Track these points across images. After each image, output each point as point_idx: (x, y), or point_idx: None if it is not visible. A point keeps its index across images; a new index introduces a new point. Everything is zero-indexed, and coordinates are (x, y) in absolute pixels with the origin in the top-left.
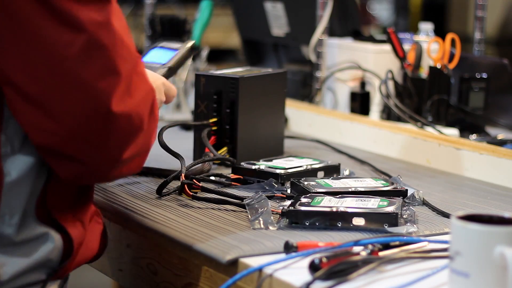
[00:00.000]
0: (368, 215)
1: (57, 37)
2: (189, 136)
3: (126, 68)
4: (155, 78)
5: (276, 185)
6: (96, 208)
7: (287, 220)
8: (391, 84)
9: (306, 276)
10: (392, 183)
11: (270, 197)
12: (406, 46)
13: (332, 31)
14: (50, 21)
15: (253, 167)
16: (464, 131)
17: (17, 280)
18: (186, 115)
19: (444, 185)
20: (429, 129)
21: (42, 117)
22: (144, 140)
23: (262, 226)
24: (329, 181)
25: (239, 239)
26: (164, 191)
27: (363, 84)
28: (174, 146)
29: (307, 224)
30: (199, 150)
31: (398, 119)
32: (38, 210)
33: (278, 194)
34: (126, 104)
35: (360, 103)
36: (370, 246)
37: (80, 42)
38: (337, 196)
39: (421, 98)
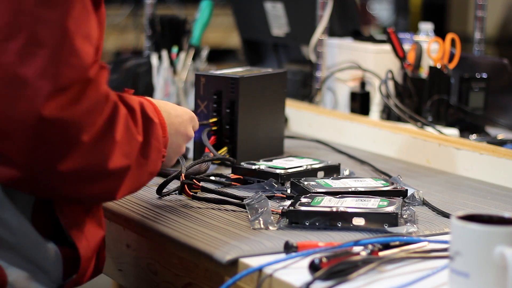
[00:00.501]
0: (368, 215)
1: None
2: None
3: (68, 73)
4: (183, 112)
5: (276, 185)
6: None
7: (287, 220)
8: (391, 84)
9: (306, 276)
10: (392, 183)
11: (270, 197)
12: (406, 46)
13: (332, 31)
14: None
15: (253, 167)
16: (464, 131)
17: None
18: None
19: (444, 185)
20: (429, 129)
21: None
22: (93, 157)
23: (262, 226)
24: (329, 181)
25: (239, 239)
26: (164, 191)
27: (363, 84)
28: None
29: (307, 224)
30: (199, 150)
31: (398, 119)
32: (34, 216)
33: (278, 194)
34: (62, 110)
35: (360, 103)
36: (370, 246)
37: (22, 36)
38: (337, 196)
39: (421, 98)
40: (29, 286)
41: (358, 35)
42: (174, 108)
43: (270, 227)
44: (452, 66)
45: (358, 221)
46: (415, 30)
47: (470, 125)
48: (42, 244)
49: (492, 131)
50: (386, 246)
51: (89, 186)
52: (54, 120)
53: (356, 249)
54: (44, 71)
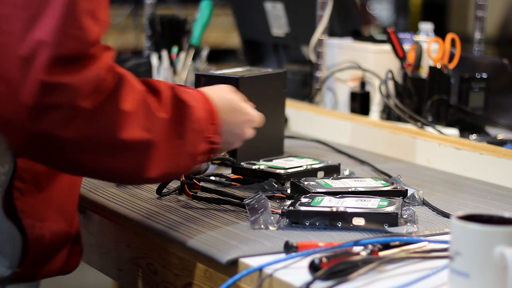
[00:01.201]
0: (368, 215)
1: None
2: None
3: (70, 44)
4: (244, 113)
5: (276, 185)
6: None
7: (287, 220)
8: (391, 84)
9: (306, 276)
10: (392, 183)
11: (270, 197)
12: (406, 46)
13: (332, 31)
14: None
15: (253, 167)
16: (464, 131)
17: None
18: None
19: (444, 185)
20: (429, 129)
21: None
22: (97, 125)
23: (262, 226)
24: (329, 181)
25: (239, 239)
26: (164, 191)
27: (363, 84)
28: None
29: (307, 224)
30: None
31: (398, 119)
32: (4, 203)
33: (278, 194)
34: (61, 76)
35: (360, 103)
36: (370, 246)
37: (33, 6)
38: (337, 196)
39: (421, 98)
40: None
41: (358, 35)
42: (236, 106)
43: (270, 227)
44: (452, 66)
45: (358, 221)
46: (415, 30)
47: (470, 125)
48: (3, 225)
49: (492, 131)
50: (386, 246)
51: (107, 158)
52: (53, 84)
53: (356, 249)
54: (47, 38)
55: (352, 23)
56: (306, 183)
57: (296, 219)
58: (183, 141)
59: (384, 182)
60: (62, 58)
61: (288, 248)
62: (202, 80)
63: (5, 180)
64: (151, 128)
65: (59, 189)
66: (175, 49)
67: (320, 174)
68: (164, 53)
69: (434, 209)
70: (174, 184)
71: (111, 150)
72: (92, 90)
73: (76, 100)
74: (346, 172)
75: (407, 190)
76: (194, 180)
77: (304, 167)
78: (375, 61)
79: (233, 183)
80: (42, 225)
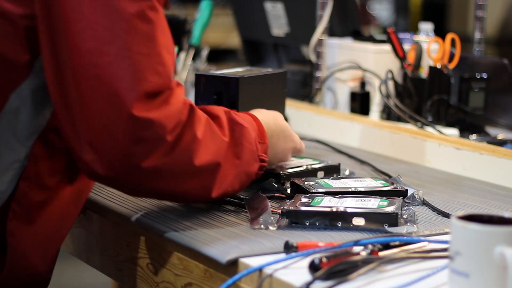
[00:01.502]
0: (368, 215)
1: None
2: None
3: (156, 79)
4: (291, 140)
5: (276, 185)
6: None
7: (287, 220)
8: (391, 84)
9: (306, 276)
10: (392, 183)
11: (270, 197)
12: (406, 46)
13: (332, 31)
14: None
15: None
16: (464, 131)
17: None
18: None
19: (444, 185)
20: (429, 129)
21: (59, 99)
22: (176, 154)
23: (262, 226)
24: (329, 181)
25: (239, 239)
26: None
27: (363, 84)
28: None
29: (307, 224)
30: None
31: (398, 119)
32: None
33: (278, 194)
34: (150, 112)
35: (360, 103)
36: (370, 246)
37: (118, 42)
38: (337, 196)
39: (421, 98)
40: None
41: (358, 35)
42: (285, 133)
43: (270, 227)
44: (452, 66)
45: (358, 221)
46: (415, 30)
47: (470, 125)
48: None
49: (492, 131)
50: (386, 246)
51: (182, 182)
52: (143, 119)
53: (356, 249)
54: (136, 76)
55: (352, 23)
56: (306, 183)
57: (296, 219)
58: (240, 161)
59: (384, 182)
60: (149, 93)
61: (288, 248)
62: (202, 80)
63: (1, 197)
64: (217, 151)
65: (48, 225)
66: (175, 49)
67: (320, 174)
68: None
69: (434, 209)
70: None
71: (186, 175)
72: (175, 124)
73: (163, 135)
74: (346, 172)
75: (407, 190)
76: None
77: (304, 167)
78: (375, 61)
79: None
80: (23, 258)
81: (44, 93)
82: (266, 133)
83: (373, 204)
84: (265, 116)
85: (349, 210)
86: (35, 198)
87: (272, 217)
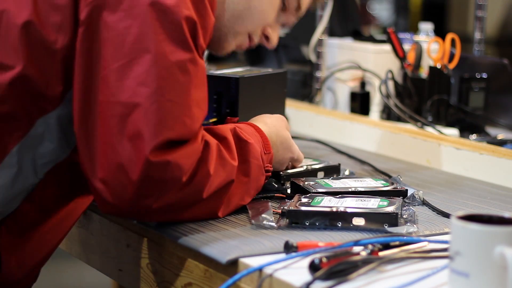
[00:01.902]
0: (368, 215)
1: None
2: None
3: (180, 129)
4: (291, 151)
5: (276, 185)
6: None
7: (287, 220)
8: (391, 84)
9: (306, 276)
10: (392, 183)
11: (270, 197)
12: (406, 46)
13: (332, 31)
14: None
15: None
16: (464, 131)
17: None
18: None
19: (444, 185)
20: (429, 129)
21: (82, 130)
22: (187, 192)
23: (263, 222)
24: (329, 181)
25: (239, 239)
26: None
27: (363, 84)
28: None
29: (307, 224)
30: None
31: (398, 119)
32: None
33: (278, 194)
34: (167, 154)
35: (360, 103)
36: (370, 246)
37: (153, 87)
38: (337, 196)
39: (421, 98)
40: None
41: (358, 35)
42: (286, 144)
43: (270, 227)
44: (452, 66)
45: (358, 221)
46: (415, 30)
47: (470, 125)
48: None
49: (492, 131)
50: (386, 246)
51: (190, 211)
52: (160, 162)
53: (356, 249)
54: (162, 123)
55: (352, 23)
56: (306, 183)
57: (296, 219)
58: (249, 178)
59: (384, 182)
60: (171, 141)
61: (288, 248)
62: None
63: (1, 214)
64: (226, 178)
65: (38, 240)
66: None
67: (320, 174)
68: None
69: (434, 209)
70: None
71: (195, 205)
72: (191, 164)
73: (179, 176)
74: (346, 172)
75: (407, 190)
76: None
77: (304, 167)
78: (375, 61)
79: None
80: (8, 269)
81: (70, 123)
82: (270, 144)
83: (373, 204)
84: (269, 126)
85: (349, 210)
86: (33, 218)
87: (272, 217)
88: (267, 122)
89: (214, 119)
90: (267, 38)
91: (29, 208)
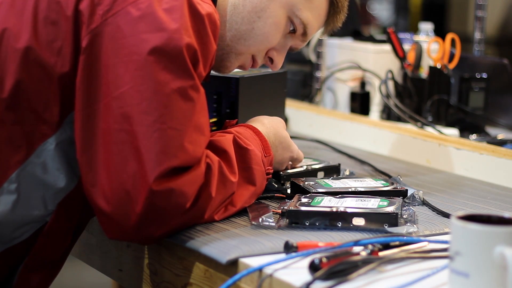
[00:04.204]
0: (368, 215)
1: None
2: None
3: (182, 156)
4: (290, 151)
5: (276, 185)
6: None
7: (287, 220)
8: (391, 84)
9: (306, 276)
10: (392, 183)
11: (270, 197)
12: (406, 46)
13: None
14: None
15: None
16: (464, 131)
17: None
18: None
19: (444, 185)
20: (429, 129)
21: (84, 157)
22: (189, 217)
23: (262, 225)
24: (329, 181)
25: (239, 239)
26: None
27: (363, 84)
28: None
29: (307, 224)
30: None
31: (398, 119)
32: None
33: (278, 194)
34: (170, 181)
35: (360, 103)
36: (370, 246)
37: (155, 114)
38: (337, 196)
39: (421, 98)
40: None
41: (358, 35)
42: (285, 144)
43: (270, 227)
44: (452, 66)
45: (358, 221)
46: (415, 30)
47: (470, 125)
48: None
49: (492, 131)
50: (386, 246)
51: (190, 227)
52: (163, 190)
53: (356, 249)
54: (164, 151)
55: (352, 23)
56: (306, 183)
57: (296, 219)
58: (255, 186)
59: (384, 182)
60: (174, 169)
61: (288, 248)
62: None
63: (12, 241)
64: (226, 192)
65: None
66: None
67: (320, 174)
68: None
69: (434, 209)
70: None
71: (195, 224)
72: (194, 190)
73: (183, 203)
74: (346, 172)
75: (407, 190)
76: None
77: (304, 167)
78: (375, 61)
79: None
80: None
81: (71, 150)
82: (270, 146)
83: (373, 204)
84: (266, 127)
85: (349, 210)
86: (48, 254)
87: (272, 217)
88: (264, 123)
89: (214, 119)
90: (271, 60)
91: (44, 242)
